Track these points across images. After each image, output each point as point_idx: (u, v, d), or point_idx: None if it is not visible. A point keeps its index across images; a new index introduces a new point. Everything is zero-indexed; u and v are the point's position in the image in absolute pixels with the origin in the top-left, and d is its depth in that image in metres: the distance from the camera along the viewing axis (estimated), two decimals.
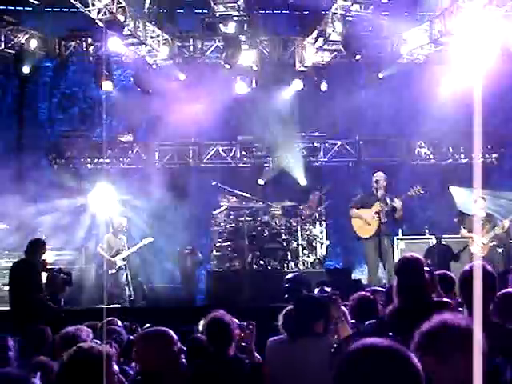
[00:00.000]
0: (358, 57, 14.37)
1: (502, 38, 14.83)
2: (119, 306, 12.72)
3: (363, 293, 6.59)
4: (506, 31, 14.42)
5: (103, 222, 14.95)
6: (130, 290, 13.50)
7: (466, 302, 4.51)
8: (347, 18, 13.35)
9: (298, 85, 15.87)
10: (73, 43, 15.21)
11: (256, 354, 5.51)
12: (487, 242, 12.60)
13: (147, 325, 6.44)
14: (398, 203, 11.41)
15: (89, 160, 16.95)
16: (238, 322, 5.36)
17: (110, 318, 6.94)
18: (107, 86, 14.64)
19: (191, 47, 15.53)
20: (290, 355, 5.19)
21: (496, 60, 15.35)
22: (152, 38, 14.69)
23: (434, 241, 14.48)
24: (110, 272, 13.42)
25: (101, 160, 16.97)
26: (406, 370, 1.94)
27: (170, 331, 4.47)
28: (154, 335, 4.46)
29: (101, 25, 12.99)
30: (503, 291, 5.18)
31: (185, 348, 5.45)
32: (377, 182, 11.71)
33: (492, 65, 15.48)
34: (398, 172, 16.02)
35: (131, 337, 6.05)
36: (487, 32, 13.46)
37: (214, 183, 15.47)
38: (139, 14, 14.11)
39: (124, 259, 13.66)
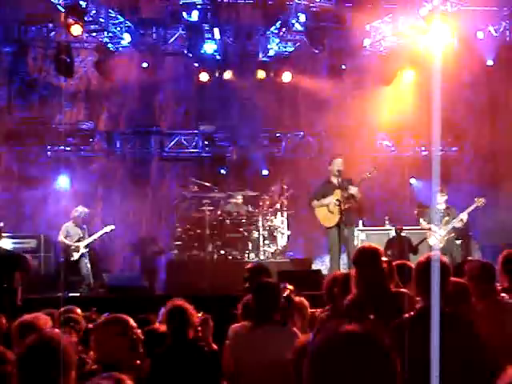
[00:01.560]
0: (320, 48, 14.39)
1: (462, 32, 15.01)
2: (78, 294, 12.63)
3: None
4: (466, 25, 14.60)
5: (64, 211, 14.80)
6: (89, 278, 13.40)
7: (421, 293, 4.55)
8: (311, 9, 13.36)
9: (260, 75, 15.85)
10: (33, 28, 14.97)
11: (213, 345, 5.53)
12: (446, 234, 12.74)
13: (106, 313, 6.39)
14: (353, 189, 11.43)
15: (49, 147, 16.73)
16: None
17: (68, 306, 6.87)
18: (68, 72, 14.46)
19: (154, 35, 15.40)
20: (253, 341, 5.20)
21: (456, 54, 15.53)
22: (114, 24, 14.55)
23: (393, 232, 14.61)
24: (71, 259, 13.31)
25: (61, 148, 16.75)
26: (380, 353, 1.94)
27: (129, 319, 4.44)
28: (112, 323, 4.42)
29: (62, 10, 12.82)
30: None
31: (143, 337, 5.45)
32: (337, 169, 11.68)
33: (452, 58, 15.66)
34: (359, 164, 16.09)
35: (90, 325, 5.99)
36: (448, 26, 13.61)
37: (175, 173, 15.43)
38: (101, 0, 13.95)
39: (85, 247, 13.53)
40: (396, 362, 1.96)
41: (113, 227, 14.10)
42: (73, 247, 13.35)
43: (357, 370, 1.91)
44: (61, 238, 13.50)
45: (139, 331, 4.47)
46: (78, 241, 13.49)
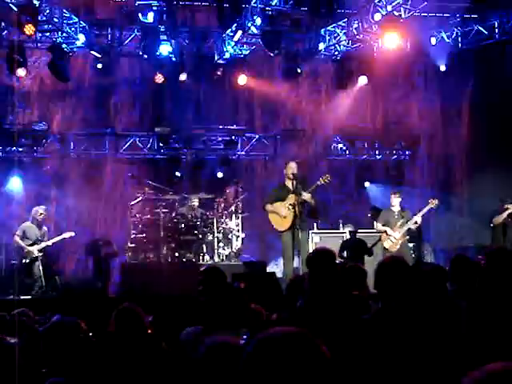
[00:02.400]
0: (276, 51, 14.45)
1: (415, 38, 15.23)
2: (30, 297, 12.46)
3: None
4: (419, 31, 14.82)
5: (16, 213, 14.60)
6: (41, 280, 13.24)
7: (382, 295, 4.60)
8: (266, 12, 13.41)
9: (216, 77, 15.84)
10: None
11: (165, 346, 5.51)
12: (400, 237, 12.89)
13: (56, 316, 6.32)
14: (306, 196, 11.47)
15: (0, 148, 16.47)
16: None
17: (20, 309, 6.79)
18: (21, 72, 14.25)
19: (109, 36, 15.28)
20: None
21: (409, 59, 15.76)
22: (69, 24, 14.40)
23: (348, 235, 14.72)
24: (23, 261, 13.15)
25: (13, 149, 16.51)
26: (314, 353, 1.95)
27: (79, 321, 4.40)
28: (60, 325, 4.38)
29: (15, 9, 12.65)
30: None
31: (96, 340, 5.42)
32: (291, 173, 11.71)
33: (405, 63, 15.89)
34: (314, 167, 16.21)
35: (40, 328, 5.92)
36: (401, 31, 13.79)
37: (129, 174, 15.33)
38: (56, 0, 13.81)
39: (40, 250, 13.37)
40: (331, 363, 1.96)
41: (72, 234, 13.98)
42: (26, 250, 13.19)
43: (291, 370, 1.91)
44: (16, 238, 13.33)
45: (90, 334, 4.43)
46: (35, 242, 13.33)
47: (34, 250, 13.27)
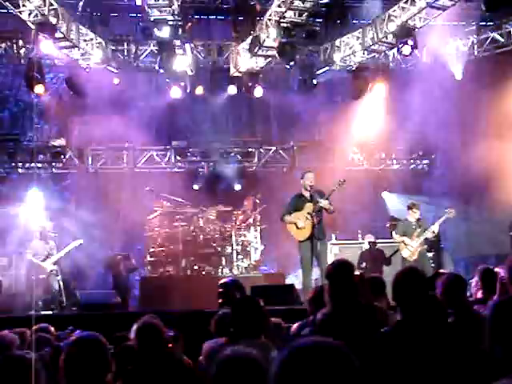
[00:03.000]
0: (291, 63, 14.48)
1: (431, 47, 15.20)
2: (51, 312, 12.51)
3: None
4: (435, 40, 14.78)
5: (33, 229, 14.68)
6: (61, 296, 13.28)
7: (400, 305, 4.57)
8: (281, 25, 13.43)
9: (232, 90, 15.90)
10: (3, 45, 14.84)
11: (187, 359, 5.51)
12: (418, 246, 12.82)
13: (77, 331, 6.34)
14: (323, 202, 11.44)
15: (20, 165, 16.60)
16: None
17: (41, 325, 6.81)
18: (39, 89, 14.36)
19: (125, 51, 15.39)
20: None
21: (426, 68, 15.73)
22: (85, 41, 14.51)
23: (366, 245, 14.67)
24: (40, 277, 13.20)
25: (32, 165, 16.64)
26: (348, 366, 1.95)
27: (100, 336, 4.40)
28: (82, 340, 4.37)
29: (32, 27, 12.76)
30: None
31: (118, 355, 5.42)
32: (308, 183, 11.68)
33: (422, 72, 15.85)
34: (331, 178, 16.16)
35: (61, 344, 5.94)
36: (417, 41, 13.76)
37: (147, 188, 15.39)
38: (72, 16, 13.91)
39: (55, 263, 13.42)
40: (360, 375, 1.97)
41: (81, 241, 14.00)
42: (41, 266, 13.23)
43: (323, 381, 1.91)
44: (29, 256, 13.39)
45: (111, 349, 4.43)
46: (47, 257, 13.38)
47: (48, 264, 13.32)
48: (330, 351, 1.96)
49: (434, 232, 12.91)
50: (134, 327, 5.35)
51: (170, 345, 5.34)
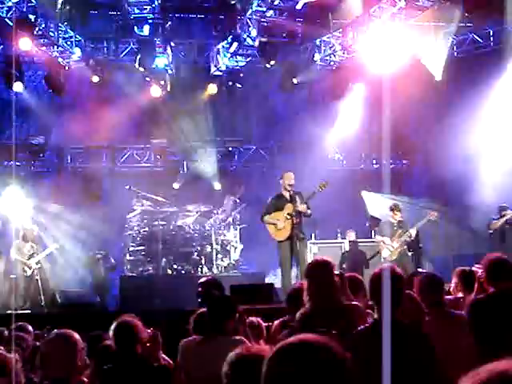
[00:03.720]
0: (272, 62, 14.48)
1: (411, 47, 15.26)
2: (30, 311, 12.43)
3: None
4: (414, 40, 14.85)
5: (14, 228, 14.57)
6: (41, 295, 13.20)
7: (377, 304, 4.59)
8: (262, 24, 13.44)
9: (212, 89, 15.87)
10: None
11: (165, 357, 5.50)
12: (398, 247, 12.89)
13: (55, 330, 6.30)
14: (300, 207, 11.45)
15: None
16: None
17: (19, 324, 6.77)
18: (18, 86, 14.27)
19: (105, 49, 15.32)
20: (203, 354, 5.19)
21: (405, 68, 15.77)
22: (64, 38, 14.43)
23: (346, 245, 14.71)
24: (25, 275, 13.14)
25: (11, 163, 16.52)
26: (334, 361, 1.95)
27: (74, 334, 4.40)
28: (56, 338, 4.38)
29: (11, 24, 12.67)
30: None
31: (96, 354, 5.41)
32: (288, 183, 11.69)
33: (401, 73, 15.91)
34: (311, 178, 16.17)
35: (37, 343, 5.91)
36: (397, 41, 13.82)
37: (127, 187, 15.32)
38: (51, 14, 13.82)
39: (37, 263, 13.38)
40: (352, 372, 1.97)
41: (57, 246, 14.01)
42: (26, 263, 13.19)
43: (312, 378, 1.91)
44: (13, 254, 13.31)
45: (84, 346, 4.43)
46: (31, 256, 13.34)
47: (32, 262, 13.27)
48: (316, 348, 1.96)
49: (410, 236, 13.00)
50: (112, 326, 5.34)
51: (148, 344, 5.33)
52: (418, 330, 4.55)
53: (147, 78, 15.65)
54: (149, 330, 5.41)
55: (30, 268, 13.22)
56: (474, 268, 6.65)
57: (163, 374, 5.12)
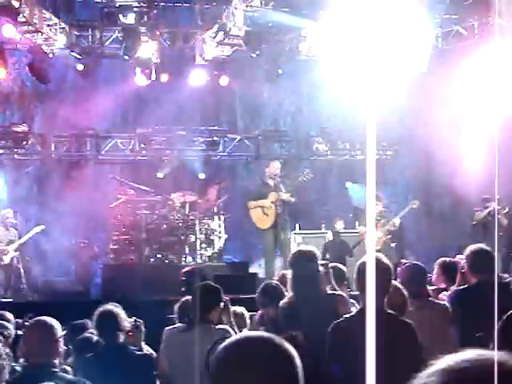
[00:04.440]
0: (257, 52, 14.45)
1: (396, 38, 15.26)
2: (11, 300, 12.38)
3: None
4: (400, 31, 14.85)
5: None
6: (22, 283, 13.17)
7: (361, 292, 4.61)
8: (248, 13, 13.38)
9: (198, 78, 15.82)
10: None
11: (147, 348, 5.52)
12: (382, 237, 12.95)
13: (30, 315, 6.31)
14: (284, 196, 11.48)
15: None
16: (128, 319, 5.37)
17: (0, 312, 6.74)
18: (1, 73, 14.16)
19: (90, 37, 15.21)
20: (187, 342, 5.19)
21: (390, 59, 15.78)
22: (49, 26, 14.29)
23: (330, 236, 14.74)
24: (2, 263, 13.09)
25: None
26: (279, 356, 1.96)
27: (52, 320, 4.43)
28: (35, 325, 4.42)
29: None
30: None
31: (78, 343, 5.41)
32: (273, 172, 11.71)
33: (386, 63, 15.91)
34: (297, 167, 16.19)
35: (19, 331, 5.89)
36: (382, 31, 13.80)
37: (111, 176, 15.29)
38: (35, 0, 13.70)
39: (16, 250, 13.32)
40: (298, 366, 1.97)
41: (42, 227, 13.99)
42: (2, 250, 13.13)
43: (257, 372, 1.92)
44: None
45: (62, 335, 4.46)
46: (8, 244, 13.29)
47: (10, 249, 13.22)
48: (258, 344, 1.97)
49: (394, 225, 13.06)
50: (95, 315, 5.35)
51: (131, 333, 5.34)
52: (402, 319, 4.58)
53: (132, 67, 15.55)
54: (131, 320, 5.42)
55: (6, 255, 13.16)
56: (456, 259, 6.70)
57: (146, 362, 5.13)
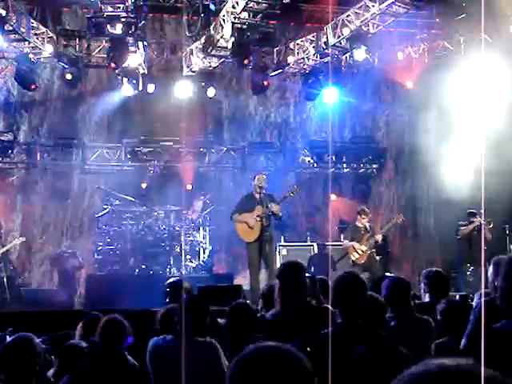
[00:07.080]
0: (245, 62, 14.45)
1: (382, 52, 15.37)
2: None
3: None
4: (386, 46, 14.96)
5: None
6: (5, 292, 13.08)
7: (338, 308, 4.59)
8: (235, 25, 13.40)
9: (185, 89, 15.81)
10: None
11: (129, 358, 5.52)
12: (366, 250, 12.97)
13: (10, 328, 6.25)
14: (275, 207, 11.49)
15: None
16: None
17: None
18: None
19: (77, 46, 15.16)
20: (174, 354, 5.16)
21: (378, 73, 15.90)
22: (36, 35, 14.27)
23: (315, 248, 14.74)
24: None
25: None
26: (298, 370, 1.94)
27: (33, 338, 4.41)
28: (13, 345, 4.41)
29: None
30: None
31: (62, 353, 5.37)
32: (259, 185, 11.70)
33: (373, 78, 16.03)
34: (282, 179, 16.19)
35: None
36: (370, 46, 13.90)
37: (97, 186, 15.23)
38: (22, 9, 13.67)
39: None
40: (314, 378, 1.96)
41: (23, 239, 13.92)
42: None
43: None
44: None
45: (42, 350, 4.45)
46: None
47: None
48: (278, 356, 1.95)
49: (378, 240, 13.11)
50: (81, 324, 5.32)
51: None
52: (380, 335, 4.55)
53: (119, 77, 15.53)
54: None
55: None
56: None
57: (144, 377, 5.14)
